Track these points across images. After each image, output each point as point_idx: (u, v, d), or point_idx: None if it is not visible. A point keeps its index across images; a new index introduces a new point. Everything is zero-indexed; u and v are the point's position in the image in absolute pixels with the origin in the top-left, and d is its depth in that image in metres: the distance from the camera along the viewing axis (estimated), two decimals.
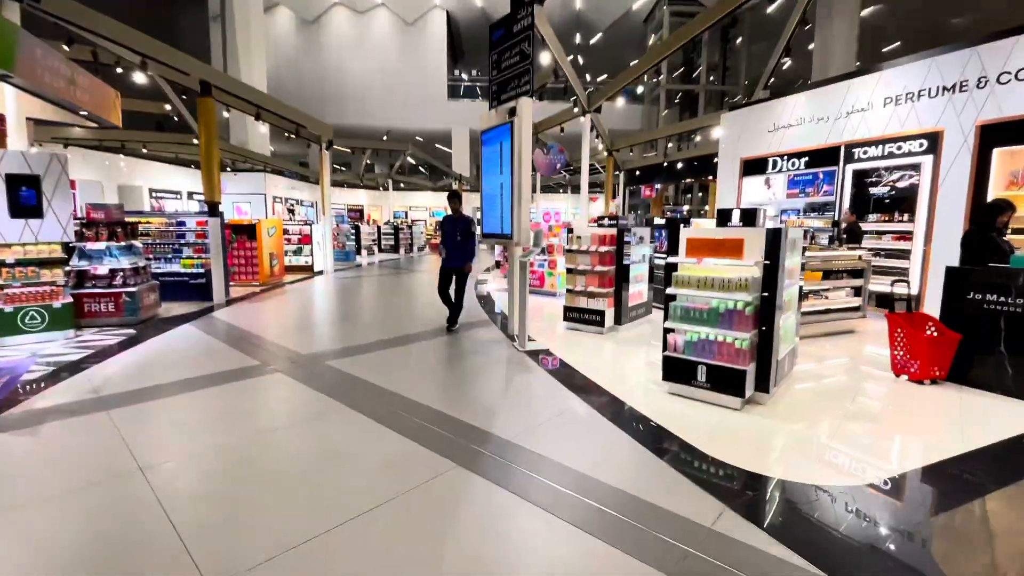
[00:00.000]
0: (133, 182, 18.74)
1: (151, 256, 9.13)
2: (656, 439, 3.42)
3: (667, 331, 4.24)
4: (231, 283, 11.28)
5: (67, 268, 6.43)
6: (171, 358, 5.47)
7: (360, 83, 31.63)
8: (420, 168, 38.28)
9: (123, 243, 7.07)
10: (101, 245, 6.88)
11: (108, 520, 2.47)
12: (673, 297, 4.29)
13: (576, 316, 6.81)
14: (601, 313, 6.56)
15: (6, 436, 3.43)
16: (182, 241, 9.30)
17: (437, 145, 30.89)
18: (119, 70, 9.67)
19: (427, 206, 37.02)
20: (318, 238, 14.69)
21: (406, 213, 36.52)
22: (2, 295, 5.79)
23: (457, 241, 6.37)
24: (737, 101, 16.89)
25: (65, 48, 7.68)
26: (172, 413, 3.94)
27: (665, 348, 4.24)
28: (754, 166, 9.66)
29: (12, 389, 4.41)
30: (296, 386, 4.55)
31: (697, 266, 4.19)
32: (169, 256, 9.23)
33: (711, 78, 28.22)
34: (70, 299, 6.29)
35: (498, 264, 14.10)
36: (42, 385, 4.49)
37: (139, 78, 11.22)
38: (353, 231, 19.77)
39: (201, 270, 9.12)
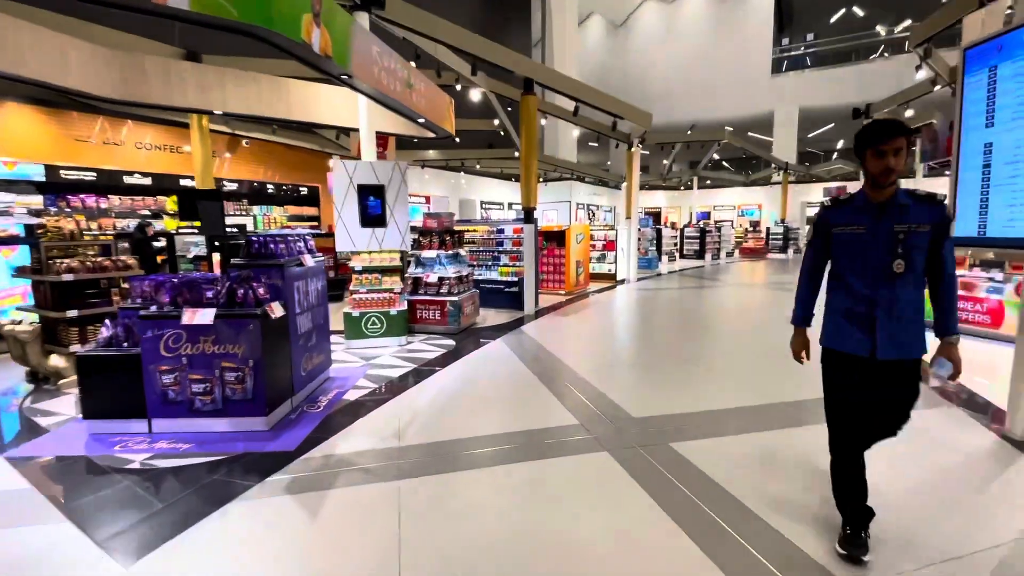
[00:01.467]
0: (470, 196, 21.75)
1: (475, 263, 9.27)
2: None
3: None
4: (540, 290, 10.90)
5: (405, 275, 6.54)
6: (481, 390, 4.56)
7: (665, 79, 29.62)
8: (724, 164, 33.67)
9: (451, 251, 6.89)
10: (432, 253, 6.83)
11: None
12: None
13: None
14: None
15: (290, 501, 2.70)
16: (500, 248, 9.13)
17: (750, 134, 26.17)
18: (457, 87, 10.25)
19: (735, 204, 32.24)
20: (623, 244, 13.35)
21: (709, 214, 32.70)
22: (353, 300, 6.07)
23: (898, 277, 2.06)
24: None
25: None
26: (466, 495, 2.66)
27: None
28: None
29: (335, 406, 4.09)
30: (633, 490, 2.74)
31: None
32: (489, 263, 9.19)
33: None
34: (404, 306, 6.30)
35: None
36: (354, 415, 4.01)
37: (474, 95, 12.09)
38: (654, 235, 17.92)
39: (515, 278, 8.73)
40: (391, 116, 6.92)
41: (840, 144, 30.97)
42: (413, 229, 7.10)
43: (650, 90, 29.54)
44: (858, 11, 27.43)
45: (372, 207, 6.07)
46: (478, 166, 17.76)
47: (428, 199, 18.66)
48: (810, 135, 28.18)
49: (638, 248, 15.60)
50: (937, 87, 8.75)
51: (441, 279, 6.85)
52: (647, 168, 33.10)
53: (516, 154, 16.90)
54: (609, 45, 32.84)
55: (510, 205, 23.48)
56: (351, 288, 6.14)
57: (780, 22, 28.58)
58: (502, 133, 15.01)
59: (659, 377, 4.92)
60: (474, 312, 7.42)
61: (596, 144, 35.71)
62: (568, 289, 10.67)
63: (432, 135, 7.43)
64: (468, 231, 9.51)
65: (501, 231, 9.17)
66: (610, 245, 13.23)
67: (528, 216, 8.23)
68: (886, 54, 25.22)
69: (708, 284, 12.63)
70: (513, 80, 9.41)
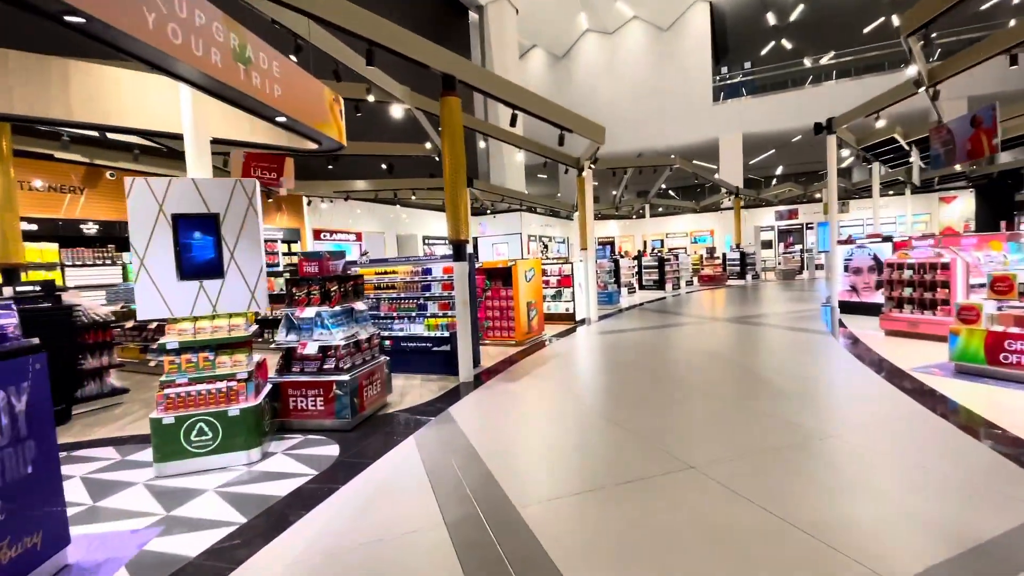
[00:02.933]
0: (410, 230, 19.66)
1: (396, 315, 7.12)
2: None
3: None
4: (484, 341, 8.82)
5: (274, 344, 4.32)
6: None
7: (609, 110, 29.17)
8: (671, 192, 33.38)
9: (338, 308, 4.74)
10: (310, 312, 4.66)
11: None
12: None
13: None
14: None
15: None
16: (427, 295, 7.05)
17: (696, 161, 25.82)
18: (370, 98, 8.35)
19: (687, 231, 31.77)
20: (580, 279, 11.59)
21: (662, 242, 32.04)
22: (165, 398, 3.78)
23: None
24: None
25: (293, 59, 6.23)
26: None
27: None
28: None
29: None
30: None
31: None
32: (413, 314, 7.07)
33: None
34: (254, 399, 4.06)
35: None
36: None
37: (396, 112, 10.23)
38: (612, 266, 16.41)
39: (447, 333, 6.64)
40: (240, 118, 4.83)
41: (779, 170, 31.32)
42: (289, 278, 4.93)
43: (596, 118, 28.97)
44: (786, 43, 28.15)
45: (198, 249, 3.89)
46: (414, 197, 15.78)
47: (359, 236, 16.43)
48: (751, 162, 28.25)
49: (597, 282, 13.91)
50: (921, 89, 7.68)
51: (325, 349, 4.68)
52: (598, 198, 32.27)
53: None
54: (552, 77, 32.39)
55: None
56: (162, 379, 3.86)
57: (717, 52, 29.00)
58: (436, 159, 13.19)
59: (683, 518, 2.91)
60: (382, 391, 5.24)
61: (544, 176, 34.86)
62: (519, 338, 8.66)
63: (315, 146, 5.37)
64: (388, 273, 7.40)
65: (428, 272, 7.12)
66: (565, 281, 11.42)
67: (459, 251, 6.25)
68: (822, 81, 25.76)
69: (680, 321, 10.97)
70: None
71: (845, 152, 25.11)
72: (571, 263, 11.39)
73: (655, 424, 4.39)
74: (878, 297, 9.95)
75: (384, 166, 12.65)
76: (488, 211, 22.84)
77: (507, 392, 5.75)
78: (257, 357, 4.41)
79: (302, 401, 4.62)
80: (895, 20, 24.91)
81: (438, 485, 3.39)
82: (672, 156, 18.98)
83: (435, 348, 6.68)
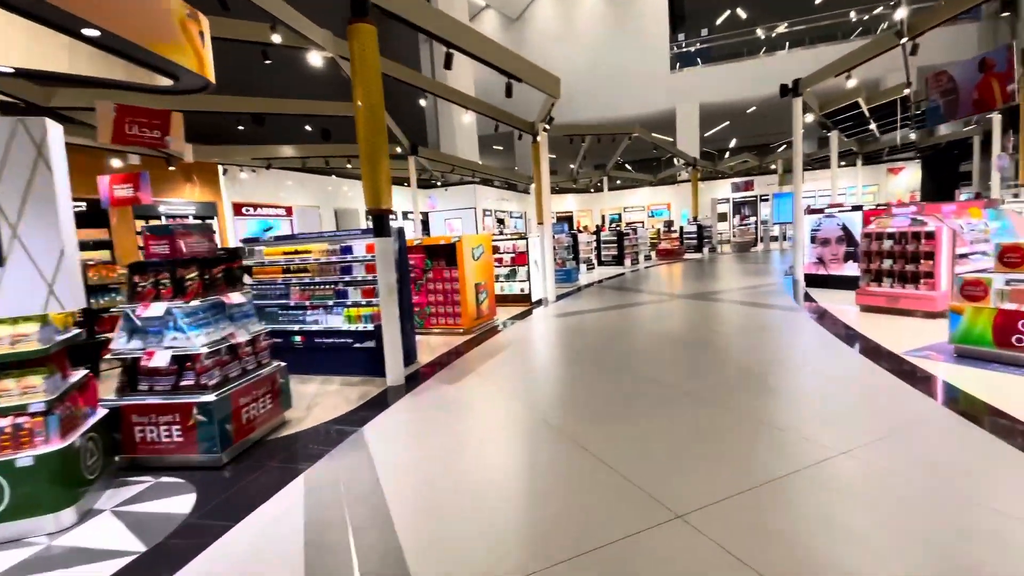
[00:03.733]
0: (352, 204, 17.94)
1: (309, 304, 5.84)
2: None
3: None
4: (428, 329, 7.67)
5: (111, 354, 3.03)
6: None
7: (565, 78, 27.80)
8: (627, 166, 32.62)
9: (195, 303, 3.45)
10: (159, 309, 3.35)
11: None
12: None
13: None
14: None
15: None
16: (348, 279, 5.79)
17: (654, 134, 25.11)
18: (274, 37, 6.84)
19: (645, 205, 31.33)
20: (536, 255, 10.55)
21: (619, 216, 31.50)
22: None
23: None
24: None
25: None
26: None
27: None
28: None
29: None
30: None
31: None
32: (330, 304, 5.80)
33: None
34: (58, 440, 2.78)
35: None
36: None
37: (315, 60, 8.64)
38: (571, 242, 15.47)
39: (371, 325, 5.44)
40: (56, 42, 3.34)
41: (733, 143, 31.09)
42: (133, 264, 3.59)
43: None
44: (741, 13, 27.51)
45: None
46: (349, 166, 14.14)
47: (289, 210, 14.66)
48: (706, 134, 27.77)
49: (554, 259, 12.94)
50: (904, 40, 6.92)
51: (182, 359, 3.41)
52: (555, 171, 31.14)
53: (399, 149, 13.58)
54: (505, 41, 30.61)
55: (406, 215, 19.93)
56: None
57: (674, 20, 28.06)
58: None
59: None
60: (274, 408, 4.03)
61: (501, 147, 33.29)
62: (467, 325, 7.56)
63: (169, 82, 3.94)
64: (299, 251, 6.05)
65: (347, 251, 5.84)
66: (520, 258, 10.35)
67: (380, 225, 5.02)
68: (775, 51, 25.40)
69: (643, 299, 10.17)
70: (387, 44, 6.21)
71: (806, 119, 25.07)
72: (526, 239, 10.30)
73: (627, 445, 3.42)
74: (848, 269, 9.45)
75: (308, 128, 11.01)
76: (438, 183, 21.33)
77: (444, 400, 4.66)
78: (78, 376, 3.11)
79: (152, 431, 3.36)
80: None
81: (318, 570, 2.28)
82: (633, 124, 18.04)
83: (357, 344, 5.48)
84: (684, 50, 27.79)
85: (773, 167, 24.75)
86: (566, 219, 31.79)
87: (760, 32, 25.92)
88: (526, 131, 10.85)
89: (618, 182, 29.18)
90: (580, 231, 20.86)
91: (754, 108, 26.18)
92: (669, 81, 26.60)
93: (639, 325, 7.61)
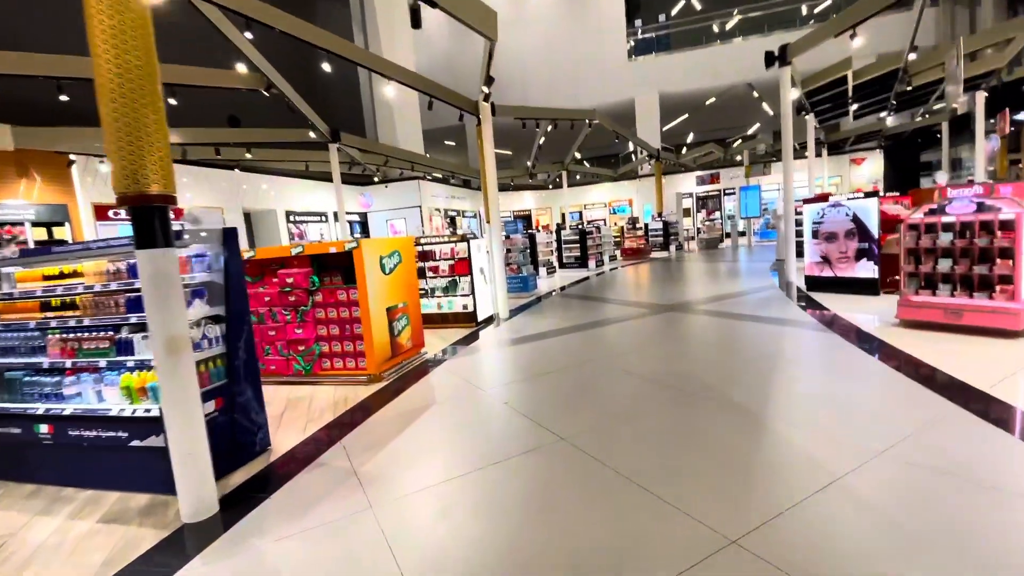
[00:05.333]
0: (269, 204, 15.16)
1: (72, 364, 3.41)
2: None
3: None
4: (317, 378, 5.33)
5: None
6: None
7: (519, 65, 25.94)
8: (585, 164, 30.81)
9: None
10: None
11: None
12: None
13: None
14: None
15: None
16: (134, 320, 3.39)
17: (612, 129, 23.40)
18: None
19: (606, 201, 29.74)
20: (482, 263, 8.35)
21: (580, 213, 29.80)
22: None
23: None
24: None
25: None
26: None
27: None
28: None
29: None
30: None
31: None
32: (103, 364, 3.39)
33: None
34: None
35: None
36: None
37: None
38: (527, 243, 13.38)
39: (156, 409, 3.06)
40: None
41: (691, 138, 29.76)
42: None
43: (503, 77, 25.34)
44: (695, 2, 26.19)
45: None
46: (248, 155, 11.49)
47: (179, 213, 11.84)
48: (665, 128, 26.24)
49: (506, 264, 10.80)
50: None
51: None
52: (511, 162, 28.92)
53: (313, 135, 11.06)
54: (452, 27, 28.28)
55: (336, 216, 17.32)
56: None
57: (630, 6, 26.50)
58: (267, 92, 9.08)
59: None
60: None
61: (453, 143, 30.85)
62: (374, 369, 5.25)
63: None
64: (57, 280, 3.61)
65: (136, 273, 3.44)
66: (460, 266, 8.12)
67: (144, 225, 2.67)
68: (732, 38, 24.17)
69: (618, 313, 8.14)
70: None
71: (770, 108, 23.92)
72: (468, 241, 8.08)
73: None
74: (860, 270, 7.75)
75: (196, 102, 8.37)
76: (376, 179, 18.78)
77: (288, 562, 2.38)
78: None
79: None
80: None
81: None
82: (593, 110, 16.16)
83: (137, 443, 3.10)
84: (642, 37, 26.31)
85: (739, 158, 23.54)
86: (524, 218, 29.74)
87: (715, 25, 24.66)
88: (468, 111, 8.64)
89: (578, 177, 27.39)
90: (539, 231, 18.81)
91: (713, 100, 24.95)
92: (628, 70, 25.09)
93: (620, 355, 5.52)
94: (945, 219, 5.17)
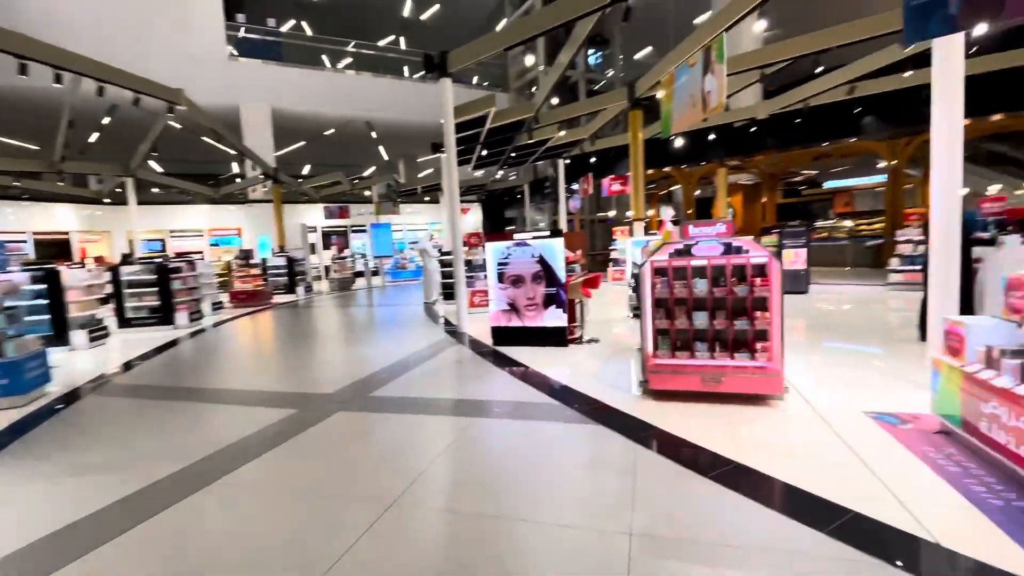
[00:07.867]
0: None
1: None
2: None
3: None
4: None
5: None
6: None
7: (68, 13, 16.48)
8: (168, 176, 22.70)
9: None
10: None
11: None
12: None
13: None
14: None
15: None
16: None
17: (204, 139, 17.87)
18: None
19: (204, 229, 22.89)
20: None
21: (163, 243, 21.71)
22: None
23: None
24: None
25: None
26: None
27: None
28: None
29: None
30: None
31: None
32: None
33: None
34: None
35: None
36: None
37: None
38: (34, 293, 7.03)
39: None
40: None
41: (307, 169, 26.46)
42: None
43: (33, 20, 15.28)
44: (307, 28, 24.03)
45: None
46: None
47: None
48: (279, 152, 22.23)
49: None
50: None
51: None
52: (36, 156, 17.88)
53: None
54: None
55: None
56: None
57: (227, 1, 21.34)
58: None
59: None
60: None
61: None
62: None
63: None
64: None
65: None
66: None
67: None
68: (346, 70, 22.80)
69: (233, 430, 4.20)
70: None
71: (386, 153, 23.50)
72: None
73: None
74: (549, 318, 6.69)
75: None
76: None
77: None
78: None
79: None
80: (402, 41, 24.97)
81: None
82: (178, 90, 10.89)
83: None
84: (245, 36, 21.59)
85: (367, 192, 22.17)
86: (56, 244, 19.04)
87: (326, 57, 22.80)
88: None
89: (155, 191, 19.76)
90: (79, 265, 11.48)
91: (333, 131, 22.91)
92: (230, 68, 19.86)
93: None
94: (697, 262, 4.17)
